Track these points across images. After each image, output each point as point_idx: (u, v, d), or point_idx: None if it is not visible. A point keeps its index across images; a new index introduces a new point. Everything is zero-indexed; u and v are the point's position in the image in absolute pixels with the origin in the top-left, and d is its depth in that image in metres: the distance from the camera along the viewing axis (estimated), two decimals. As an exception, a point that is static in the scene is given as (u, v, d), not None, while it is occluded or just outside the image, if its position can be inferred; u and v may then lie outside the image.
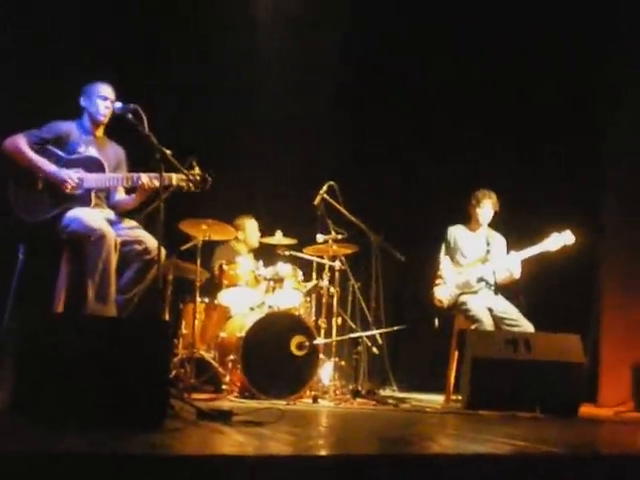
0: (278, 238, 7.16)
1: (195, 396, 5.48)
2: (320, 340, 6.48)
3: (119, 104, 4.99)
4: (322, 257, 7.04)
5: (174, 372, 6.03)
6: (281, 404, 5.50)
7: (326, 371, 6.70)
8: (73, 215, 4.99)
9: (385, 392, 7.38)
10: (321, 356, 6.46)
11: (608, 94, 7.91)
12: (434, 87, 8.72)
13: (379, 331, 6.72)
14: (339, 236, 6.76)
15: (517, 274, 6.59)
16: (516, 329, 6.35)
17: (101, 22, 7.19)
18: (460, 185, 7.47)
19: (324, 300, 6.82)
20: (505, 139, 8.48)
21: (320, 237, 6.80)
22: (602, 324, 7.86)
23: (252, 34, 8.25)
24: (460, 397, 5.92)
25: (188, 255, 6.68)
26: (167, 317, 6.41)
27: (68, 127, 5.30)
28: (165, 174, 4.83)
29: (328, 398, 6.25)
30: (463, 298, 6.64)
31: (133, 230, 5.19)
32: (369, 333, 6.70)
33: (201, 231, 6.51)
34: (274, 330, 6.25)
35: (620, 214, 7.76)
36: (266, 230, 7.45)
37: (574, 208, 7.59)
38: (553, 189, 8.14)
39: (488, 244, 6.85)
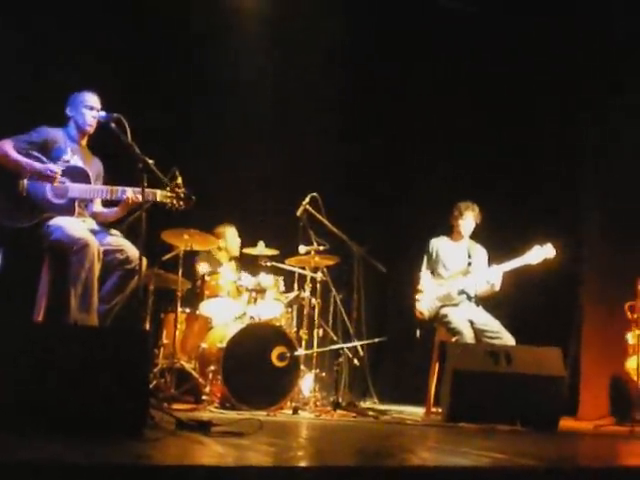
0: (260, 249, 7.15)
1: (175, 406, 5.45)
2: (301, 351, 6.47)
3: (103, 113, 5.00)
4: (304, 268, 7.04)
5: (154, 382, 6.01)
6: (261, 415, 5.49)
7: (307, 382, 6.69)
8: (56, 224, 4.97)
9: (366, 404, 7.37)
10: (302, 367, 6.45)
11: (592, 110, 7.97)
12: (419, 99, 8.74)
13: (360, 343, 6.73)
14: (321, 247, 6.76)
15: (497, 286, 6.61)
16: (497, 342, 6.37)
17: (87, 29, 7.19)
18: (444, 197, 7.48)
19: (305, 311, 6.82)
20: (488, 153, 8.52)
21: (302, 248, 6.80)
22: (582, 338, 7.90)
23: (232, 45, 8.25)
24: (440, 409, 5.93)
25: (170, 265, 6.67)
26: (148, 327, 6.38)
27: (55, 133, 5.29)
28: (149, 190, 4.83)
29: (308, 409, 6.24)
30: (444, 310, 6.65)
31: (115, 239, 5.17)
32: (350, 345, 6.71)
33: (183, 241, 6.50)
34: (255, 341, 6.24)
35: (600, 229, 7.81)
36: (248, 241, 7.44)
37: (555, 222, 7.63)
38: (535, 203, 8.18)
39: (470, 256, 6.87)
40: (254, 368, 6.16)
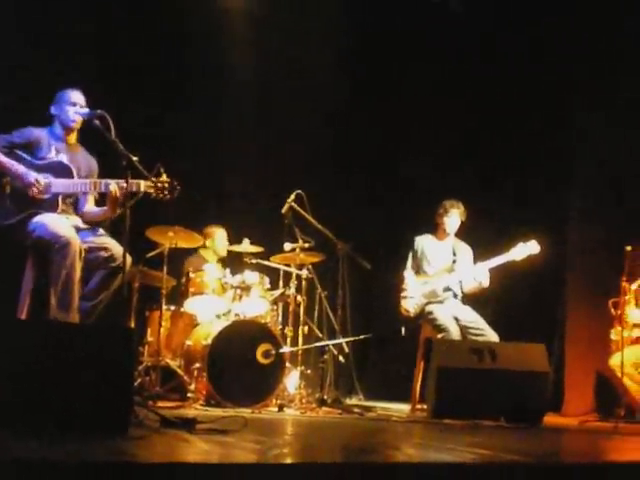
0: (245, 246, 7.15)
1: (160, 404, 5.45)
2: (286, 348, 6.47)
3: (86, 110, 4.98)
4: (289, 265, 7.04)
5: (139, 380, 6.00)
6: (247, 412, 5.49)
7: (292, 379, 6.69)
8: (39, 221, 4.94)
9: (351, 401, 7.39)
10: (287, 364, 6.45)
11: (577, 111, 8.02)
12: (406, 99, 8.76)
13: (346, 340, 6.72)
14: (306, 244, 6.76)
15: (486, 283, 6.63)
16: (481, 338, 6.39)
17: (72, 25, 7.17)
18: (430, 195, 7.49)
19: (291, 308, 6.82)
20: (475, 153, 8.54)
21: (287, 245, 6.79)
22: (567, 334, 7.92)
23: (222, 44, 8.24)
24: (426, 406, 5.94)
25: (155, 262, 6.65)
26: (132, 324, 6.36)
27: (39, 133, 5.25)
28: (133, 180, 4.81)
29: (294, 407, 6.24)
30: (430, 307, 6.66)
31: (99, 237, 5.14)
32: (335, 342, 6.71)
33: (167, 238, 6.49)
34: (240, 338, 6.24)
35: (584, 226, 7.84)
36: (234, 238, 7.43)
37: (540, 219, 7.64)
38: (520, 200, 8.20)
39: (454, 254, 6.89)
40: (239, 365, 6.16)
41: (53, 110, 5.32)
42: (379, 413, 6.27)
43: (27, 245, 4.98)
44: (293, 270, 6.96)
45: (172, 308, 6.81)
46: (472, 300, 6.83)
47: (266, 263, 7.11)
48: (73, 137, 5.38)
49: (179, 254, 6.95)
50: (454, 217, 6.88)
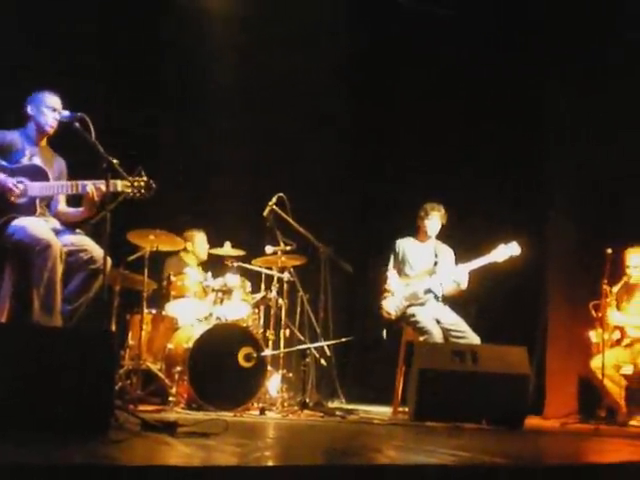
0: (226, 249, 7.14)
1: (141, 408, 5.43)
2: (268, 352, 6.47)
3: (66, 112, 4.93)
4: (271, 268, 7.03)
5: (120, 384, 5.97)
6: (228, 416, 5.47)
7: (274, 383, 6.68)
8: (18, 224, 4.90)
9: (333, 404, 7.38)
10: (269, 368, 6.44)
11: (552, 114, 8.07)
12: (389, 100, 8.76)
13: (327, 343, 6.73)
14: (288, 247, 6.76)
15: (464, 285, 6.65)
16: (463, 341, 6.41)
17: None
18: (411, 198, 7.51)
19: (272, 312, 6.82)
20: (455, 154, 8.57)
21: (269, 248, 6.79)
22: (548, 337, 7.96)
23: (206, 42, 8.23)
24: (407, 409, 5.95)
25: (135, 266, 6.62)
26: (113, 328, 6.33)
27: (12, 137, 5.19)
28: (111, 180, 4.78)
29: (275, 410, 6.23)
30: (411, 310, 6.67)
31: (79, 239, 5.10)
32: (317, 345, 6.71)
33: (148, 241, 6.46)
34: (222, 341, 6.22)
35: (564, 228, 7.88)
36: (215, 241, 7.41)
37: (520, 221, 7.69)
38: (500, 202, 8.24)
39: (436, 256, 6.90)
40: (221, 369, 6.15)
41: (30, 111, 5.25)
42: (361, 416, 6.27)
43: (7, 249, 4.94)
44: (275, 273, 6.95)
45: (153, 311, 6.78)
46: (453, 302, 6.85)
47: (248, 266, 7.10)
48: (44, 140, 5.34)
49: (158, 257, 6.92)
50: (435, 220, 6.89)
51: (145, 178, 5.02)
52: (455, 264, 6.84)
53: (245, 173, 8.39)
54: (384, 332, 6.80)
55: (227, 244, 7.12)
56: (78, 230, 5.22)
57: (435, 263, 6.86)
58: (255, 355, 6.23)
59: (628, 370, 6.77)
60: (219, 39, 8.23)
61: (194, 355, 6.07)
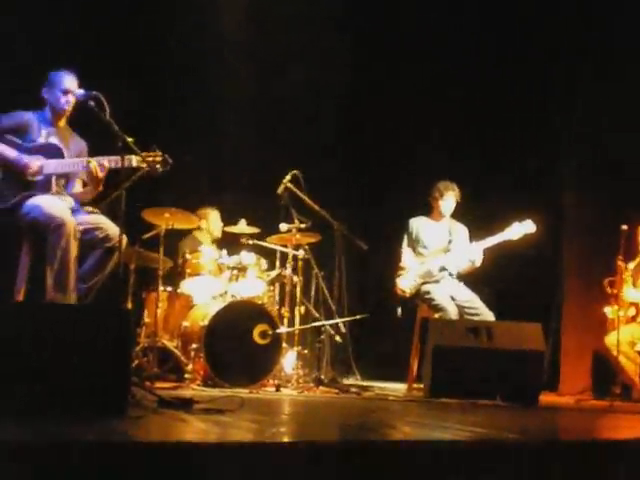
0: (241, 227, 7.15)
1: (158, 385, 5.46)
2: (283, 329, 6.49)
3: (81, 91, 4.94)
4: (285, 246, 7.03)
5: (136, 361, 6.01)
6: (244, 392, 5.50)
7: (289, 360, 6.71)
8: (33, 203, 4.92)
9: (348, 380, 7.40)
10: (284, 345, 6.47)
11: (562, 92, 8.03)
12: (398, 85, 8.73)
13: (342, 320, 6.74)
14: (302, 225, 6.75)
15: (478, 262, 6.65)
16: (477, 318, 6.41)
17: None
18: (424, 176, 7.49)
19: (287, 289, 6.83)
20: (468, 133, 8.54)
21: (283, 226, 6.79)
22: (563, 313, 7.95)
23: (219, 26, 8.22)
24: (422, 385, 5.96)
25: (151, 244, 6.65)
26: (129, 306, 6.36)
27: (29, 118, 5.19)
28: (126, 156, 4.79)
29: (291, 387, 6.26)
30: (426, 287, 6.67)
31: (94, 217, 5.12)
32: (332, 322, 6.72)
33: (164, 219, 6.48)
34: (237, 319, 6.25)
35: (579, 205, 7.86)
36: (230, 219, 7.42)
37: (535, 198, 7.65)
38: (515, 178, 8.20)
39: (450, 234, 6.89)
40: (236, 346, 6.18)
41: (45, 93, 5.25)
42: (376, 393, 6.29)
43: (23, 228, 4.96)
44: (289, 251, 6.95)
45: (169, 289, 6.81)
46: (468, 279, 6.84)
47: (263, 244, 7.11)
48: (63, 120, 5.34)
49: (172, 236, 6.94)
50: (450, 199, 6.87)
51: (160, 153, 5.02)
52: (470, 242, 6.83)
53: (260, 151, 8.38)
54: (399, 309, 6.82)
55: (242, 222, 7.14)
56: (94, 209, 5.24)
57: (449, 241, 6.85)
58: (270, 332, 6.26)
59: (644, 347, 6.76)
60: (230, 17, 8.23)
61: (210, 332, 6.10)
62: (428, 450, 2.84)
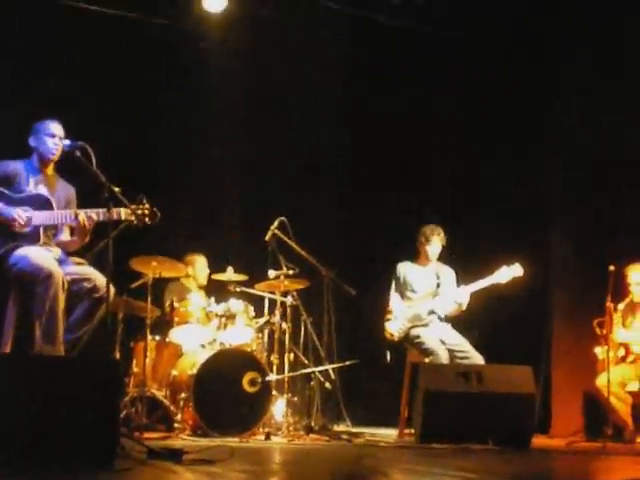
0: (229, 274, 7.14)
1: (147, 435, 5.42)
2: (272, 376, 6.45)
3: (67, 141, 4.96)
4: (274, 293, 7.02)
5: (125, 411, 5.96)
6: (234, 441, 5.46)
7: (279, 407, 6.66)
8: (21, 254, 4.91)
9: (339, 427, 7.35)
10: (274, 392, 6.42)
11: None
12: (381, 116, 8.76)
13: (331, 366, 6.72)
14: (290, 271, 6.75)
15: (464, 305, 6.64)
16: (466, 361, 6.39)
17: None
18: (413, 218, 7.52)
19: (276, 336, 6.80)
20: (453, 173, 8.58)
21: (272, 273, 6.78)
22: (553, 355, 7.94)
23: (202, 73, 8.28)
24: (413, 431, 5.92)
25: (138, 293, 6.63)
26: (118, 356, 6.32)
27: (15, 167, 5.21)
28: (114, 208, 4.80)
29: (281, 434, 6.21)
30: (415, 331, 6.66)
31: (82, 268, 5.12)
32: (321, 368, 6.69)
33: (151, 268, 6.47)
34: (226, 367, 6.21)
35: (567, 247, 7.89)
36: (217, 266, 7.41)
37: (523, 241, 7.68)
38: (504, 221, 8.22)
39: (438, 277, 6.89)
40: (225, 394, 6.14)
41: (32, 142, 5.28)
42: (367, 439, 6.25)
43: (10, 279, 4.94)
44: (278, 297, 6.94)
45: (157, 338, 6.77)
46: (457, 323, 6.83)
47: (251, 291, 7.10)
48: (51, 168, 5.35)
49: (159, 283, 6.92)
50: (436, 244, 6.87)
51: (148, 206, 5.03)
52: (457, 285, 6.83)
53: (246, 197, 8.40)
54: (388, 354, 6.80)
55: (230, 269, 7.12)
56: (81, 259, 5.24)
57: (437, 285, 6.85)
58: (260, 380, 6.22)
59: (634, 387, 6.75)
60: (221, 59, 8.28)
61: (199, 381, 6.06)
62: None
